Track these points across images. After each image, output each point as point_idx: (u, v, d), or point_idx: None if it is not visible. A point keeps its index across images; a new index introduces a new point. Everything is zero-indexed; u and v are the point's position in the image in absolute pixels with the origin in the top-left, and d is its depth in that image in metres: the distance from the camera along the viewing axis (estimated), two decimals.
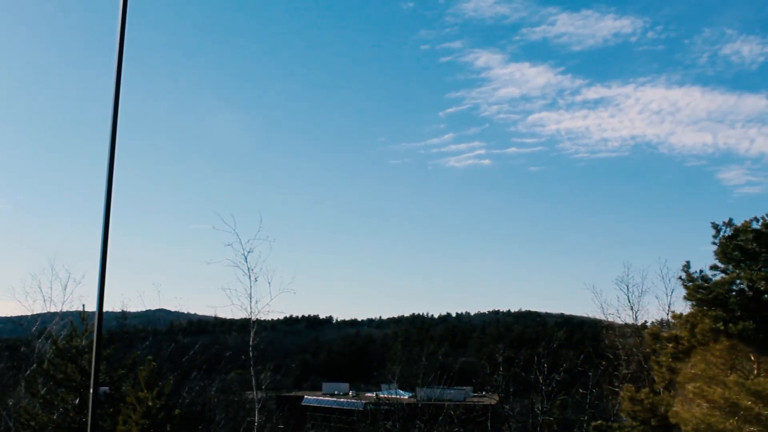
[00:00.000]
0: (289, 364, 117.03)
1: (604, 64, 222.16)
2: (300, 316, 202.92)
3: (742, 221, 22.50)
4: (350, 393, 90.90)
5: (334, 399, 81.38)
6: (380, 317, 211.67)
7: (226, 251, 22.51)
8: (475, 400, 62.40)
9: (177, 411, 20.88)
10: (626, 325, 36.69)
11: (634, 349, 34.24)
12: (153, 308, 45.35)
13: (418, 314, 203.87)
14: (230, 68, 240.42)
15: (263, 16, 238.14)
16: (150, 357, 20.09)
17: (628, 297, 35.88)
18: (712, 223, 23.15)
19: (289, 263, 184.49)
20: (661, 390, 24.70)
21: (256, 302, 21.44)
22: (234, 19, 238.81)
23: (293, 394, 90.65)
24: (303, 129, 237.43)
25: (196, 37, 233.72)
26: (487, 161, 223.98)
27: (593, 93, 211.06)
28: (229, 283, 21.50)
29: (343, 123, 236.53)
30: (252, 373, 22.18)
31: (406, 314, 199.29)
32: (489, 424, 40.61)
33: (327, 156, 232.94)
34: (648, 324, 34.43)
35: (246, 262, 21.29)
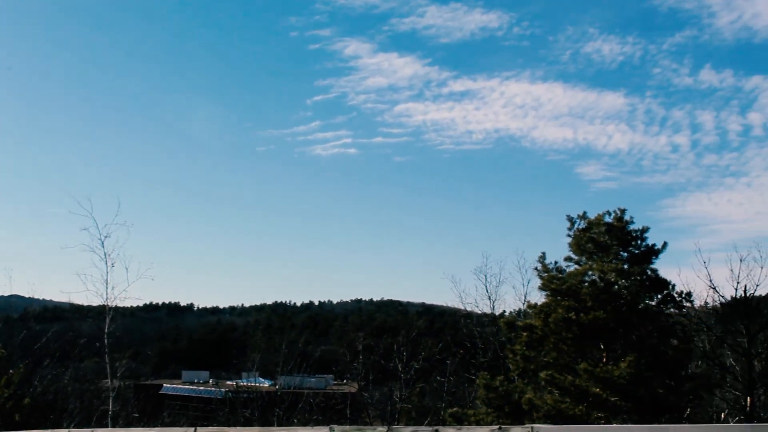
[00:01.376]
0: (147, 352, 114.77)
1: (471, 57, 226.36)
2: (160, 303, 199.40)
3: (596, 215, 23.37)
4: (210, 381, 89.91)
5: (194, 387, 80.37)
6: (242, 305, 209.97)
7: (82, 236, 21.73)
8: (335, 387, 62.75)
9: (27, 400, 20.20)
10: (484, 314, 37.53)
11: (491, 338, 35.04)
12: (5, 294, 43.63)
13: (281, 302, 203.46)
14: (69, 48, 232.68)
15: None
16: None
17: (486, 287, 36.70)
18: (567, 216, 23.94)
19: (149, 250, 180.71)
20: (516, 378, 25.38)
21: (113, 288, 20.87)
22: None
23: (151, 382, 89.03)
24: (163, 112, 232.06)
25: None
26: (353, 150, 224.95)
27: (459, 85, 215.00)
28: (85, 269, 20.72)
29: (209, 108, 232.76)
30: (107, 360, 21.62)
31: (269, 302, 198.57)
32: (348, 412, 40.85)
33: (191, 140, 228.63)
34: (505, 313, 35.37)
35: (103, 247, 20.66)
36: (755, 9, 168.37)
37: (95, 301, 21.77)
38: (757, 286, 25.41)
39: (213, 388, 63.98)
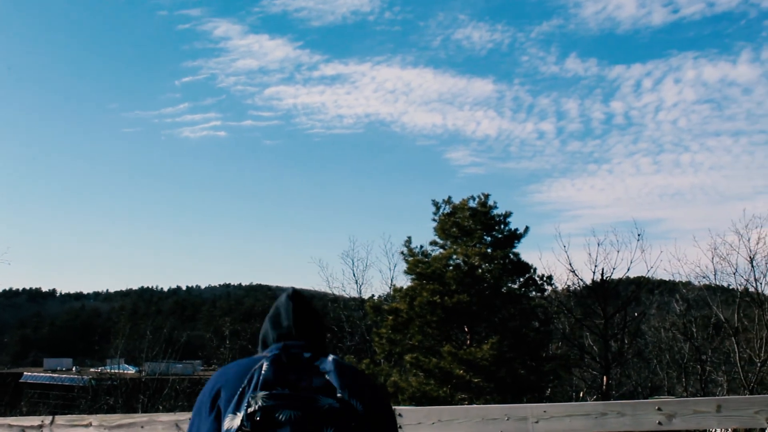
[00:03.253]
0: (5, 340, 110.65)
1: (343, 41, 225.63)
2: (20, 288, 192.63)
3: (461, 200, 23.72)
4: (74, 369, 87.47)
5: (56, 375, 77.99)
6: (107, 290, 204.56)
7: None
8: (203, 373, 61.90)
9: None
10: (351, 298, 37.72)
11: (358, 322, 35.25)
12: None
13: (148, 287, 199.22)
14: None
15: None
16: None
17: (353, 271, 36.94)
18: (433, 201, 24.25)
19: (5, 234, 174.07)
20: (382, 361, 25.59)
21: None
22: None
23: (11, 370, 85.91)
24: (26, 89, 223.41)
25: None
26: (222, 133, 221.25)
27: (330, 69, 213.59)
28: None
29: (72, 86, 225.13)
30: None
31: (135, 287, 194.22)
32: None
33: (51, 119, 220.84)
34: (373, 298, 35.63)
35: None
36: (619, 0, 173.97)
37: None
38: (614, 269, 26.32)
39: (76, 376, 62.20)
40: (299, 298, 2.63)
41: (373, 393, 2.32)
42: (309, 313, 2.59)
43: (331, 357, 2.33)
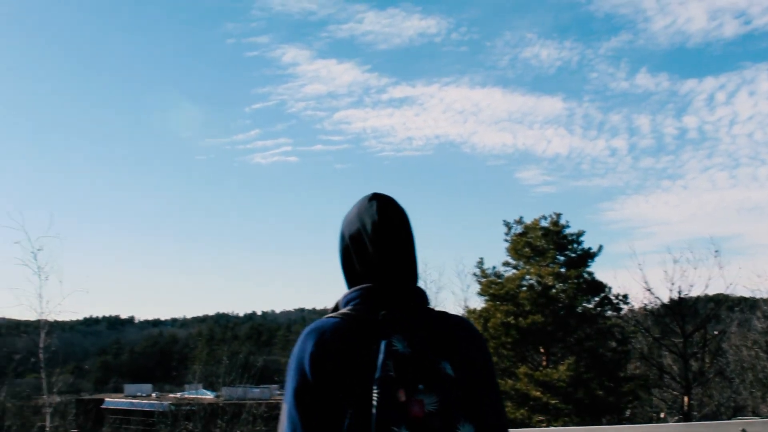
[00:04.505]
0: (85, 367, 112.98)
1: (410, 63, 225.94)
2: (100, 316, 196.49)
3: (532, 219, 23.60)
4: (153, 394, 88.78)
5: (136, 401, 79.27)
6: (185, 316, 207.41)
7: (14, 249, 21.26)
8: (279, 398, 62.40)
9: None
10: None
11: None
12: None
13: (224, 313, 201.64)
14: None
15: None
16: None
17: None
18: (504, 221, 24.17)
19: (86, 262, 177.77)
20: None
21: (47, 302, 20.45)
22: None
23: (93, 396, 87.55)
24: (99, 122, 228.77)
25: None
26: (293, 158, 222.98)
27: (399, 92, 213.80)
28: (18, 283, 20.29)
29: (145, 117, 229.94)
30: (42, 376, 21.19)
31: (211, 313, 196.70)
32: None
33: (128, 150, 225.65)
34: None
35: (35, 260, 20.22)
36: (689, 13, 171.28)
37: (30, 316, 21.36)
38: (691, 287, 25.82)
39: (155, 402, 63.20)
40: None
41: None
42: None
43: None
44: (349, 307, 2.22)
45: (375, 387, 1.96)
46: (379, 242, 2.27)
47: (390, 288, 2.24)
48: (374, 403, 1.94)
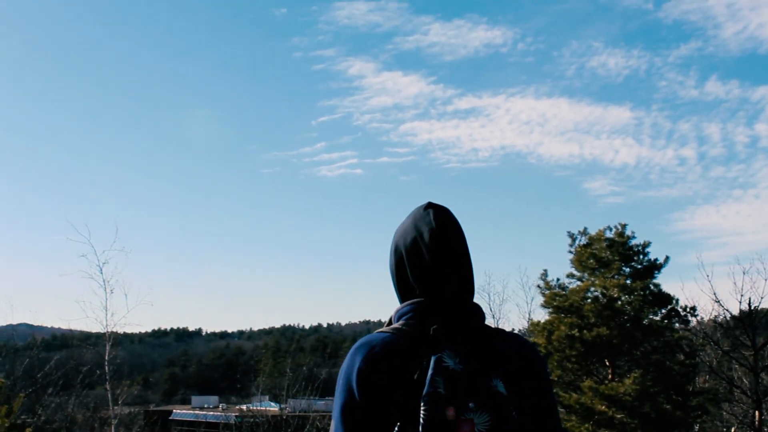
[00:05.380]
0: (157, 378, 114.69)
1: (476, 74, 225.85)
2: (169, 328, 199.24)
3: (597, 230, 23.26)
4: (220, 406, 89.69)
5: (203, 412, 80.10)
6: (251, 328, 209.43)
7: (81, 262, 21.66)
8: None
9: (28, 429, 20.09)
10: None
11: None
12: (13, 323, 43.54)
13: (289, 325, 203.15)
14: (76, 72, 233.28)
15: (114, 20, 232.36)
16: None
17: (489, 306, 36.55)
18: (568, 232, 23.84)
19: (154, 275, 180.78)
20: None
21: (112, 315, 20.78)
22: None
23: (161, 408, 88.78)
24: (165, 136, 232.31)
25: None
26: (359, 171, 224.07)
27: (465, 103, 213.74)
28: (84, 296, 20.70)
29: (211, 130, 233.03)
30: (108, 388, 21.50)
31: (277, 325, 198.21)
32: None
33: (194, 165, 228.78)
34: None
35: (101, 273, 20.54)
36: (761, 19, 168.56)
37: (95, 328, 21.76)
38: (761, 298, 25.20)
39: (221, 413, 63.78)
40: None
41: None
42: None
43: None
44: (401, 322, 2.16)
45: (423, 404, 1.89)
46: (436, 250, 2.20)
47: (444, 302, 2.15)
48: (421, 420, 1.87)
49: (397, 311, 2.22)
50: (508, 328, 24.59)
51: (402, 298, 2.28)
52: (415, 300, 2.18)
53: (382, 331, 2.16)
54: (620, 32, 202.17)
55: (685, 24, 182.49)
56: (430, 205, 2.29)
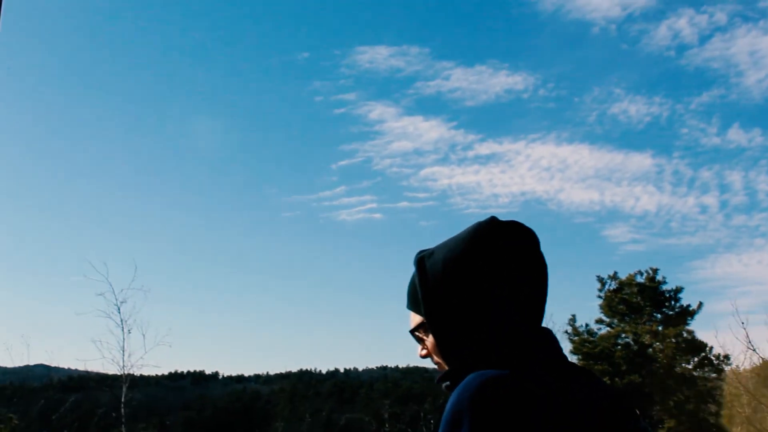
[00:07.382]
0: (173, 422, 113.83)
1: (497, 120, 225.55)
2: (185, 371, 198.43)
3: (627, 275, 22.67)
4: None
5: None
6: (267, 372, 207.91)
7: (98, 301, 21.23)
8: None
9: None
10: None
11: None
12: (31, 363, 43.08)
13: (306, 369, 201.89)
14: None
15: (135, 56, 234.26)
16: (12, 415, 18.77)
17: None
18: (598, 277, 23.29)
19: (172, 317, 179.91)
20: None
21: (129, 355, 20.25)
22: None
23: None
24: (191, 175, 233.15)
25: None
26: (378, 215, 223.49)
27: (485, 148, 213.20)
28: (101, 335, 20.20)
29: (232, 172, 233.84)
30: (123, 431, 20.93)
31: (294, 369, 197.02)
32: None
33: (213, 206, 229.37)
34: None
35: (119, 312, 20.06)
36: None
37: (112, 369, 21.26)
38: None
39: None
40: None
41: None
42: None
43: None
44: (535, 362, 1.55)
45: None
46: (543, 283, 1.76)
47: (548, 337, 1.66)
48: None
49: (507, 345, 1.60)
50: None
51: (486, 336, 1.63)
52: (535, 332, 1.67)
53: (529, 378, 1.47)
54: (642, 79, 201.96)
55: (707, 71, 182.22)
56: (505, 223, 1.79)
